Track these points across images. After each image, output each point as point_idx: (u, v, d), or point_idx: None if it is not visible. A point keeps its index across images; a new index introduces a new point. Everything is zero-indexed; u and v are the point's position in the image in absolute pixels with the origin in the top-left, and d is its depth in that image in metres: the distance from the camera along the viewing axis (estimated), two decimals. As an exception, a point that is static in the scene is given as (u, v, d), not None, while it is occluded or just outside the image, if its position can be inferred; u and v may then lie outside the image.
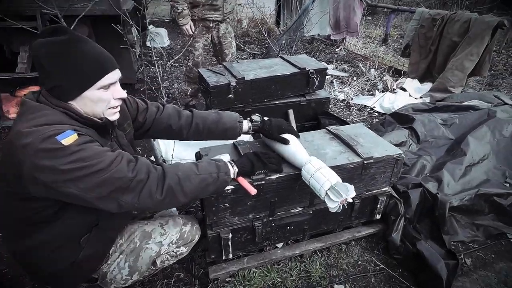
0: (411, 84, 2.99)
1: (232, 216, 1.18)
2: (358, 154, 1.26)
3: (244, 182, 1.07)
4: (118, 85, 0.90)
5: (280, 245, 1.41)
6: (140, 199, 0.83)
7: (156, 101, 1.19)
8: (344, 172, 1.24)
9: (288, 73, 1.95)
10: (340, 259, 1.44)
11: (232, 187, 1.09)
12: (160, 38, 4.47)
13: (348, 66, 3.86)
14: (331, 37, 4.26)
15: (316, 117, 2.18)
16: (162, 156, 2.04)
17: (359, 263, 1.44)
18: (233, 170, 1.05)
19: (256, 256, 1.34)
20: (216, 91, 1.79)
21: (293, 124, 2.07)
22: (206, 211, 1.13)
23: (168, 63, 3.84)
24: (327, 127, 1.49)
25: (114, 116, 0.92)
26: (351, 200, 1.00)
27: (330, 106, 2.90)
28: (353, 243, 1.52)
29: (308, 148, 1.31)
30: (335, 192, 0.99)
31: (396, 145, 1.86)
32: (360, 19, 4.01)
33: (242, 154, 1.19)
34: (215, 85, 1.77)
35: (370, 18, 6.50)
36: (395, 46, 4.76)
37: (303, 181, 1.17)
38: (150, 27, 4.43)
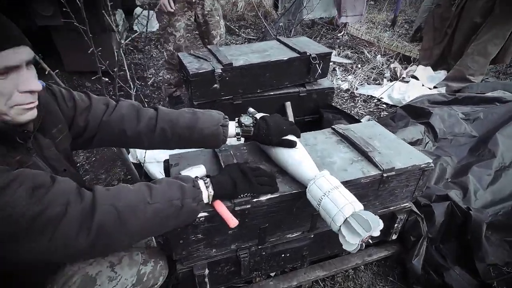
0: (423, 72, 2.67)
1: (208, 249, 0.89)
2: (375, 164, 0.97)
3: (221, 208, 0.78)
4: (26, 72, 0.59)
5: (273, 273, 1.14)
6: (53, 246, 0.54)
7: (128, 97, 0.88)
8: (358, 189, 0.95)
9: (286, 59, 1.63)
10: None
11: (206, 214, 0.80)
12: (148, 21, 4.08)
13: (351, 52, 3.52)
14: (339, 21, 3.89)
15: (318, 111, 1.88)
16: (138, 157, 1.74)
17: (370, 294, 1.17)
18: (206, 193, 0.75)
19: (243, 290, 1.07)
20: (197, 80, 1.47)
21: (291, 120, 1.77)
22: (172, 245, 0.84)
23: (154, 51, 3.49)
24: (333, 126, 1.19)
25: (24, 116, 0.62)
26: (376, 235, 0.71)
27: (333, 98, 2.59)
28: (363, 268, 1.25)
29: (310, 154, 1.02)
30: (359, 223, 0.70)
31: (410, 143, 1.56)
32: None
33: (223, 166, 0.90)
34: (196, 72, 1.45)
35: (373, 2, 6.08)
36: (400, 32, 4.40)
37: (302, 202, 0.88)
38: (138, 9, 4.04)
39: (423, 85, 2.56)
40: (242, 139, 0.93)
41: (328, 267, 1.16)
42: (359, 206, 0.74)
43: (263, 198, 0.84)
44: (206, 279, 0.93)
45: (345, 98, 2.66)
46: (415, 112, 1.92)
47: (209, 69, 1.47)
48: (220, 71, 1.48)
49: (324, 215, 0.76)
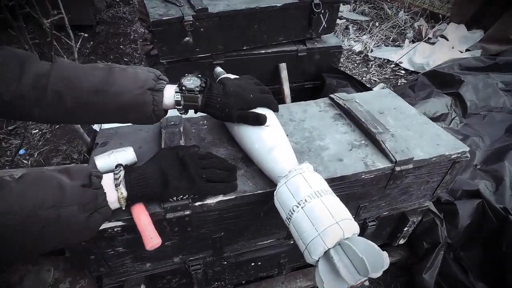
0: (454, 31, 2.22)
1: (139, 263, 0.65)
2: (384, 153, 0.67)
3: (140, 218, 0.51)
4: None
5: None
6: None
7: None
8: (356, 187, 0.67)
9: (280, 5, 1.26)
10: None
11: (122, 223, 0.54)
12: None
13: (369, 8, 3.01)
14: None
15: (320, 75, 1.53)
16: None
17: (365, 308, 0.94)
18: (115, 195, 0.49)
19: (201, 303, 0.84)
20: (161, 30, 1.13)
21: (286, 86, 1.44)
22: (82, 261, 0.59)
23: None
24: (331, 95, 0.88)
25: None
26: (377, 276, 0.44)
27: (341, 60, 2.21)
28: None
29: (293, 135, 0.73)
30: (349, 258, 0.42)
31: (432, 119, 1.24)
32: None
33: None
34: (159, 19, 1.11)
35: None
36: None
37: (273, 205, 0.61)
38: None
39: (453, 47, 2.13)
40: (193, 112, 0.63)
41: (313, 274, 0.92)
42: (352, 228, 0.46)
43: (211, 201, 0.56)
44: (145, 296, 0.70)
45: (357, 62, 2.27)
46: (442, 80, 1.56)
47: (176, 15, 1.13)
48: (192, 19, 1.14)
49: (296, 237, 0.48)
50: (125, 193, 0.49)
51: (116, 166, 0.55)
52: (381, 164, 0.65)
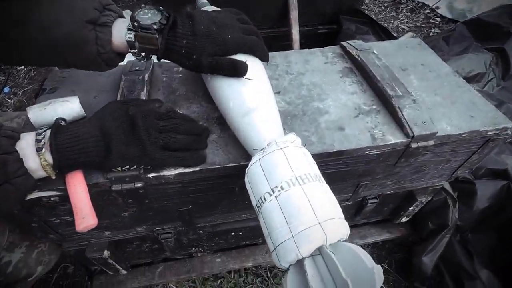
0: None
1: (95, 232, 0.57)
2: (399, 123, 0.52)
3: (75, 190, 0.41)
4: None
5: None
6: None
7: None
8: (358, 163, 0.54)
9: None
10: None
11: (56, 193, 0.44)
12: None
13: None
14: None
15: (337, 18, 1.29)
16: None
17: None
18: (37, 161, 0.38)
19: (178, 266, 0.80)
20: None
21: (295, 29, 1.21)
22: (26, 230, 0.52)
23: None
24: (343, 42, 0.69)
25: None
26: None
27: (365, 1, 1.89)
28: None
29: (287, 92, 0.58)
30: (329, 272, 0.31)
31: (465, 79, 1.03)
32: None
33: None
34: None
35: None
36: None
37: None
38: None
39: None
40: (155, 58, 0.48)
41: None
42: (338, 232, 0.34)
43: (169, 173, 0.45)
44: (110, 261, 0.65)
45: (385, 4, 1.93)
46: (485, 31, 1.29)
47: None
48: None
49: (265, 232, 0.37)
50: (50, 160, 0.38)
51: (56, 121, 0.43)
52: (394, 138, 0.50)
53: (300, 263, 0.33)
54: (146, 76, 0.56)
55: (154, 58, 0.47)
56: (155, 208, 0.53)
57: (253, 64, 0.46)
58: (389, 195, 0.71)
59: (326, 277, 0.31)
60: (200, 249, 0.77)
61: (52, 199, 0.44)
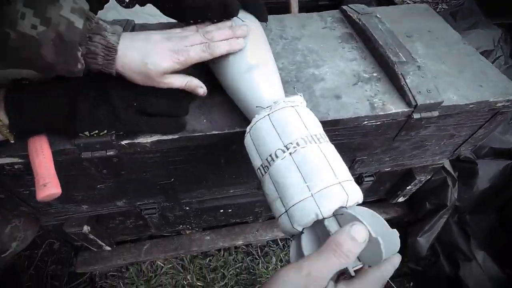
0: None
1: (71, 205, 0.53)
2: (402, 91, 0.47)
3: (36, 156, 0.36)
4: None
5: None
6: None
7: None
8: (355, 136, 0.49)
9: None
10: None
11: (18, 159, 0.39)
12: None
13: None
14: None
15: (340, -12, 1.21)
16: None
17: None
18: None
19: (165, 244, 0.77)
20: None
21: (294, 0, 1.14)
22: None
23: None
24: (343, 6, 0.63)
25: None
26: None
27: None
28: None
29: (280, 57, 0.53)
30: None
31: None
32: None
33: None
34: None
35: None
36: None
37: (238, 149, 0.46)
38: None
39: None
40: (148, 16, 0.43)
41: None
42: (357, 196, 0.31)
43: (144, 140, 0.40)
44: (92, 237, 0.62)
45: (391, -23, 1.83)
46: (494, 5, 1.22)
47: None
48: None
49: (272, 194, 0.33)
50: (5, 121, 0.34)
51: (15, 80, 0.38)
52: (394, 107, 0.46)
53: (318, 224, 0.30)
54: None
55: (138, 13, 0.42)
56: (134, 180, 0.49)
57: (254, 25, 0.41)
58: (386, 172, 0.68)
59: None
60: (188, 226, 0.74)
61: (16, 167, 0.40)
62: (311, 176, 0.30)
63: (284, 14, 0.62)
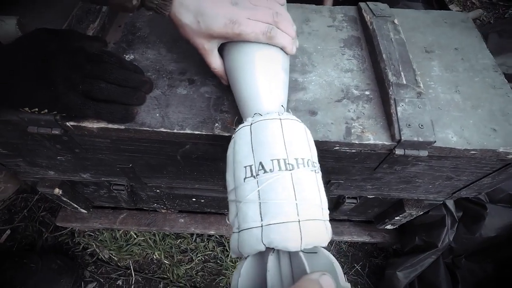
0: None
1: (37, 169, 0.54)
2: (389, 119, 0.40)
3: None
4: None
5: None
6: None
7: None
8: (328, 159, 0.44)
9: None
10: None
11: (-31, 122, 0.40)
12: None
13: None
14: None
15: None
16: None
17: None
18: None
19: (140, 217, 0.79)
20: None
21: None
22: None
23: None
24: (361, 2, 0.54)
25: None
26: None
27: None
28: None
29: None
30: (292, 275, 0.26)
31: (506, 75, 0.82)
32: None
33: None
34: None
35: None
36: None
37: (216, 152, 0.43)
38: None
39: None
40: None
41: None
42: (317, 237, 0.27)
43: (90, 125, 0.39)
44: (65, 199, 0.64)
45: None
46: None
47: None
48: None
49: (232, 208, 0.30)
50: None
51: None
52: (374, 137, 0.39)
53: (262, 255, 0.27)
54: (105, 8, 0.48)
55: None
56: (92, 159, 0.49)
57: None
58: (371, 198, 0.61)
59: (287, 281, 0.25)
60: (162, 206, 0.75)
61: (-29, 127, 0.41)
62: (268, 207, 0.27)
63: (290, 3, 0.55)
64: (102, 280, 0.80)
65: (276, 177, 0.28)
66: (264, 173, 0.28)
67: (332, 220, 0.79)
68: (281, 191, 0.27)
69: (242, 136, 0.31)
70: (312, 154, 0.32)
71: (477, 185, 0.49)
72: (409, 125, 0.38)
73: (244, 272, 0.27)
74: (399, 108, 0.39)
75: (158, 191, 0.65)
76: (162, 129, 0.39)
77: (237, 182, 0.30)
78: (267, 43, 0.36)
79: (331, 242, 0.86)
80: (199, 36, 0.36)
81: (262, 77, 0.35)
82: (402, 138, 0.38)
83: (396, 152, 0.39)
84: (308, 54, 0.47)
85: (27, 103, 0.36)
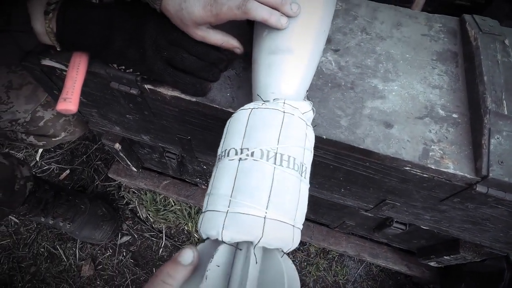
0: None
1: (106, 122, 0.59)
2: (477, 151, 0.35)
3: (72, 70, 0.40)
4: None
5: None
6: None
7: None
8: (392, 178, 0.41)
9: None
10: (315, 269, 0.82)
11: (63, 66, 0.43)
12: None
13: None
14: None
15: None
16: None
17: (341, 290, 0.80)
18: (43, 24, 0.37)
19: (182, 187, 0.82)
20: None
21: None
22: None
23: None
24: (466, 15, 0.49)
25: None
26: None
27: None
28: (351, 263, 0.82)
29: (348, 54, 0.45)
30: (240, 275, 0.24)
31: None
32: None
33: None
34: None
35: None
36: None
37: None
38: None
39: None
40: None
41: (313, 236, 0.77)
42: (282, 239, 0.26)
43: (165, 91, 0.40)
44: (122, 155, 0.69)
45: None
46: None
47: None
48: None
49: (209, 187, 0.30)
50: (54, 29, 0.37)
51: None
52: (455, 166, 0.35)
53: (216, 244, 0.26)
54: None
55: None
56: (156, 123, 0.51)
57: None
58: (423, 229, 0.56)
59: (235, 278, 0.24)
60: (204, 182, 0.77)
61: (64, 73, 0.45)
62: (239, 194, 0.26)
63: (381, 3, 0.51)
64: (136, 236, 0.86)
65: (257, 166, 0.27)
66: (246, 158, 0.27)
67: (369, 240, 0.75)
68: (256, 181, 0.26)
69: (239, 118, 0.31)
70: (304, 156, 0.29)
71: None
72: (501, 161, 0.33)
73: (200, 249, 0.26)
74: (493, 141, 0.34)
75: (205, 167, 0.67)
76: (230, 109, 0.39)
77: (220, 161, 0.29)
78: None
79: (361, 262, 0.81)
80: (187, 25, 0.35)
81: (280, 65, 0.33)
82: (490, 175, 0.33)
83: (477, 189, 0.35)
84: (394, 61, 0.44)
85: (117, 60, 0.38)
